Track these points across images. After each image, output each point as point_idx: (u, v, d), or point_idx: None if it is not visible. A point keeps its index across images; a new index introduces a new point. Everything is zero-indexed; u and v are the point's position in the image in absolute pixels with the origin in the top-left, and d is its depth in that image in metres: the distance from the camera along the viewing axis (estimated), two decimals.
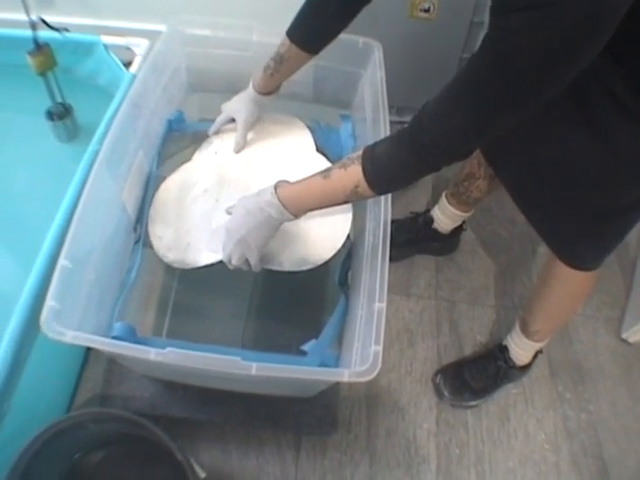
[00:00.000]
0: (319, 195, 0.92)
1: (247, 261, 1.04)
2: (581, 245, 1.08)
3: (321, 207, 0.94)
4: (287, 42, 1.10)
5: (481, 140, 0.79)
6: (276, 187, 0.96)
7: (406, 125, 0.80)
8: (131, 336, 1.02)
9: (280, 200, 0.94)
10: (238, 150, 1.30)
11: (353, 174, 0.86)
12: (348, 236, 1.19)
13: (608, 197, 0.97)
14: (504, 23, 0.62)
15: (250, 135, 1.33)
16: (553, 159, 1.00)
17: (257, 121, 1.32)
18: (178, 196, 1.26)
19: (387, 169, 0.84)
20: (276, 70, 1.16)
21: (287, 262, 1.15)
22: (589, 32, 0.59)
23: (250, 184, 1.22)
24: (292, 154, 1.31)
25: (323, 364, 1.00)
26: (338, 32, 1.09)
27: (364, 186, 0.86)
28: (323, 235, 1.18)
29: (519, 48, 0.62)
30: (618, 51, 0.76)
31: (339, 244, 1.17)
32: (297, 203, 0.94)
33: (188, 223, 1.21)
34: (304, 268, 1.15)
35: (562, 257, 1.12)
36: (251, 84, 1.23)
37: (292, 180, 0.97)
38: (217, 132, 1.35)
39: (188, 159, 1.33)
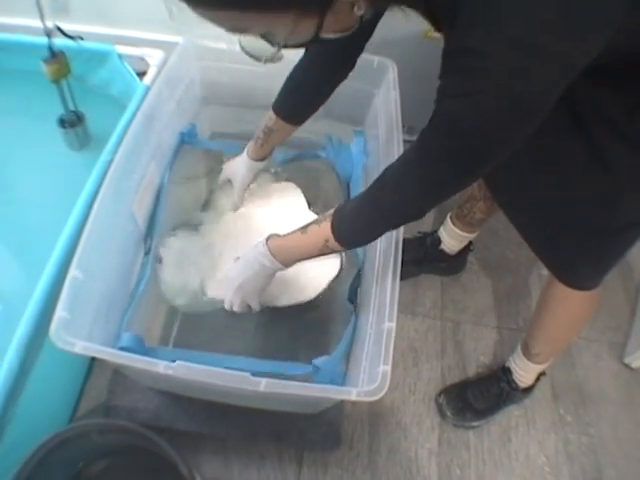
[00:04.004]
0: (299, 248, 1.00)
1: (248, 305, 1.12)
2: (579, 264, 1.08)
3: (304, 259, 1.01)
4: (273, 116, 1.20)
5: (434, 204, 0.84)
6: (267, 239, 1.04)
7: (371, 184, 0.86)
8: (139, 346, 1.02)
9: (270, 251, 1.02)
10: (235, 209, 1.41)
11: (324, 230, 0.93)
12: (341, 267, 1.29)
13: (606, 216, 0.96)
14: (444, 107, 0.68)
15: (249, 196, 1.42)
16: (550, 180, 0.99)
17: (254, 181, 1.40)
18: (185, 246, 1.31)
19: (352, 226, 0.91)
20: (265, 141, 1.26)
21: (284, 299, 1.25)
22: (523, 112, 0.65)
23: (250, 239, 1.25)
24: (286, 213, 1.40)
25: (332, 381, 1.00)
26: (320, 104, 1.18)
27: (332, 241, 0.93)
28: (313, 272, 1.26)
29: (459, 130, 0.68)
30: (616, 79, 0.78)
31: (331, 276, 1.27)
32: (284, 255, 1.02)
33: (195, 272, 1.27)
34: (300, 301, 1.25)
35: (560, 276, 1.12)
36: (245, 150, 1.32)
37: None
38: (220, 188, 1.45)
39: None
